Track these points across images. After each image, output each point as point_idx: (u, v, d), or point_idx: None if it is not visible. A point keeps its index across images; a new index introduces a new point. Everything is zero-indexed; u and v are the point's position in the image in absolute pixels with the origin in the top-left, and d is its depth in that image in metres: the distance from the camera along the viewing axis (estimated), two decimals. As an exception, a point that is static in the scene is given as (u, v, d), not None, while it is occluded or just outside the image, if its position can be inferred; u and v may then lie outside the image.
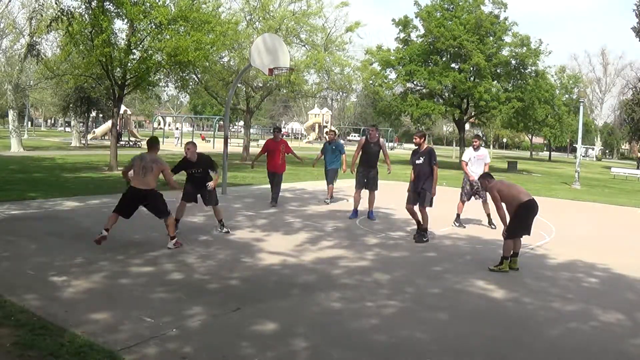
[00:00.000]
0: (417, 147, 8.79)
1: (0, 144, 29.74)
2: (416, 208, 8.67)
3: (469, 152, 10.61)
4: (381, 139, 10.79)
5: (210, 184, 8.22)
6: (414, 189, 8.67)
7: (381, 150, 10.57)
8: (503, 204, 7.13)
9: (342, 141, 13.70)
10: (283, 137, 12.77)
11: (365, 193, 10.65)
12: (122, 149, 27.59)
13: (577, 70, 63.78)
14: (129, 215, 7.26)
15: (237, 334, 4.40)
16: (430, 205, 8.65)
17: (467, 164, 10.42)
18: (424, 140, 8.80)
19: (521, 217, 6.96)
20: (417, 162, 8.64)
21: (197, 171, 8.24)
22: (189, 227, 8.77)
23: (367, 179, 10.54)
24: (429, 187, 8.50)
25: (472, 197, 10.40)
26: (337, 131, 16.29)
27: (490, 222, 10.22)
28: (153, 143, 7.50)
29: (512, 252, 7.06)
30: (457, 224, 10.25)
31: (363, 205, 10.69)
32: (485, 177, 7.63)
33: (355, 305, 5.32)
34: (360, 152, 10.56)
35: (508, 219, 7.08)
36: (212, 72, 23.87)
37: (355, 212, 10.58)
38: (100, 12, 16.32)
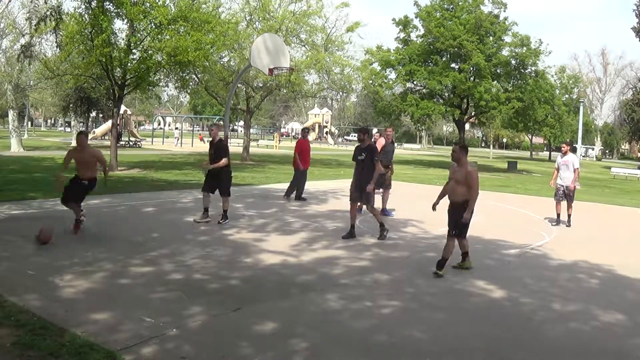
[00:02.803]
0: (360, 143, 8.68)
1: (0, 144, 29.74)
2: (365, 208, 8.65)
3: (557, 157, 11.31)
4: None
5: (204, 164, 9.20)
6: (357, 186, 8.51)
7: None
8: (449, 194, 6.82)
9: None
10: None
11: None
12: (122, 149, 27.59)
13: (577, 70, 63.85)
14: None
15: (237, 334, 4.40)
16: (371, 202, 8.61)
17: (557, 171, 11.11)
18: (367, 136, 8.67)
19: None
20: (359, 157, 8.53)
21: (211, 152, 9.27)
22: (189, 227, 8.77)
23: (384, 179, 10.82)
24: (370, 184, 8.34)
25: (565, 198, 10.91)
26: (337, 130, 16.92)
27: (568, 220, 10.81)
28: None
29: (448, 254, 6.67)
30: (555, 224, 10.88)
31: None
32: (465, 149, 6.90)
33: (355, 305, 5.32)
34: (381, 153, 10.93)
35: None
36: (212, 72, 23.88)
37: (387, 210, 10.90)
38: (100, 12, 16.32)
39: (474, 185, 6.61)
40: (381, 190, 10.88)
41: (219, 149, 9.26)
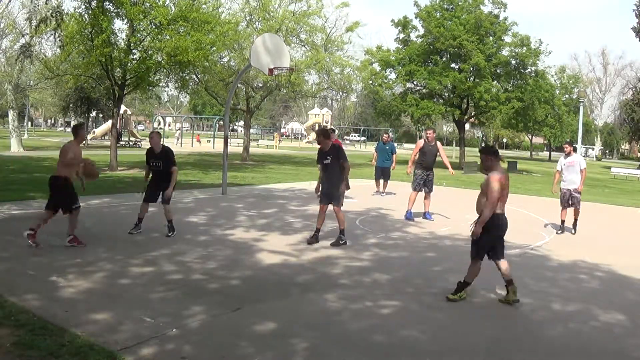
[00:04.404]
0: (321, 145, 8.11)
1: (0, 144, 29.74)
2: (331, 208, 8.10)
3: (560, 159, 10.44)
4: (437, 142, 10.85)
5: (167, 192, 7.98)
6: (325, 190, 8.07)
7: (438, 152, 10.76)
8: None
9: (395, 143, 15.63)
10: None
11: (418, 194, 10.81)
12: (122, 149, 27.60)
13: (577, 70, 63.76)
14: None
15: (237, 334, 4.40)
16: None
17: (559, 173, 10.30)
18: (326, 137, 8.10)
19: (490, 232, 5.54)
20: (325, 162, 7.98)
21: (157, 164, 8.08)
22: (189, 227, 8.76)
23: (425, 181, 10.70)
24: (341, 186, 7.95)
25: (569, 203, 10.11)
26: (337, 130, 17.20)
27: (574, 226, 10.06)
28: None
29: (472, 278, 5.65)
30: (560, 231, 10.08)
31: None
32: (489, 153, 5.70)
33: (355, 305, 5.32)
34: (418, 154, 10.72)
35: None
36: (212, 72, 23.89)
37: (410, 213, 10.66)
38: (100, 12, 16.33)
39: (491, 193, 5.41)
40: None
41: (167, 158, 8.10)
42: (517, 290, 5.56)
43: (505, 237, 5.65)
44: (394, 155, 14.82)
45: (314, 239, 8.02)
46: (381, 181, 14.83)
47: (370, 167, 26.67)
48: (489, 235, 5.51)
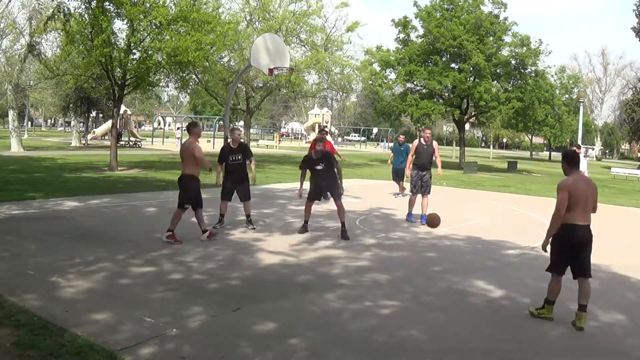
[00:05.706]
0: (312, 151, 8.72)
1: (0, 144, 29.73)
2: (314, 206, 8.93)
3: None
4: (435, 142, 10.59)
5: (250, 177, 8.91)
6: (319, 191, 8.77)
7: (434, 153, 10.45)
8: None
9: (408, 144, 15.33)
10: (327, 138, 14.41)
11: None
12: (122, 149, 27.59)
13: (577, 70, 63.80)
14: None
15: (237, 334, 4.40)
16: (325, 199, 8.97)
17: None
18: (320, 144, 8.68)
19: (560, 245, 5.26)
20: (318, 167, 8.57)
21: (237, 157, 8.76)
22: (189, 227, 8.76)
23: (421, 182, 10.39)
24: (338, 186, 8.68)
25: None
26: (337, 130, 17.46)
27: None
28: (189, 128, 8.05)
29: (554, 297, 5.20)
30: None
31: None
32: (563, 158, 5.41)
33: (355, 305, 5.32)
34: (414, 155, 10.49)
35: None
36: (212, 72, 23.89)
37: (410, 215, 10.48)
38: (100, 12, 16.32)
39: (557, 200, 5.08)
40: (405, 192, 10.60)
41: (246, 150, 8.96)
42: (544, 305, 5.25)
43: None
44: (409, 156, 14.69)
45: (303, 230, 8.80)
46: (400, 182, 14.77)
47: (369, 167, 26.65)
48: (559, 247, 5.21)
